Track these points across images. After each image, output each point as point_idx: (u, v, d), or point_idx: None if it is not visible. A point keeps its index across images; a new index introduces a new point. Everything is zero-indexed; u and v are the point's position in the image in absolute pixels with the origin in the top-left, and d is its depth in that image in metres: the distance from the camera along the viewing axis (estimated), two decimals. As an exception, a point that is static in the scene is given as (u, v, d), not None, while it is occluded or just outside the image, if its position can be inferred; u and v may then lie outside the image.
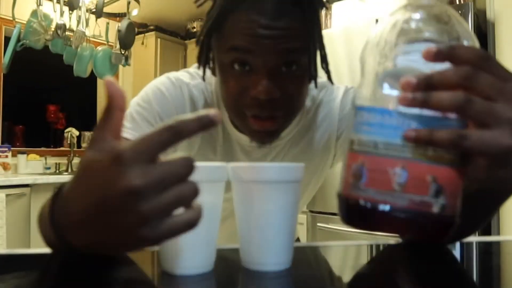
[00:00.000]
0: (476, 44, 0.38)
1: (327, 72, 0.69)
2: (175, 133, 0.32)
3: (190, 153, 0.65)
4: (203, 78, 0.70)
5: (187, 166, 0.33)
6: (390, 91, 0.37)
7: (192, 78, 0.74)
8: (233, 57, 0.60)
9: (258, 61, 0.58)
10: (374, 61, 0.39)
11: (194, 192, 0.34)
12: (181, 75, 0.74)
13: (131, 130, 0.67)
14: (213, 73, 0.68)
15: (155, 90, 0.71)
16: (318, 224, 2.28)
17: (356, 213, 0.38)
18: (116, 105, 0.36)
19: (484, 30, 2.16)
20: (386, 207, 0.35)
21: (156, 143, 0.32)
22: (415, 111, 0.35)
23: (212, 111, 0.33)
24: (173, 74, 0.73)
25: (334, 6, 2.58)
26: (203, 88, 0.73)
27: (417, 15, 0.38)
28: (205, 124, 0.33)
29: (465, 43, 0.38)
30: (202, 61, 0.66)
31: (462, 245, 0.60)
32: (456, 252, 0.58)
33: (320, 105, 0.78)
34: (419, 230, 0.37)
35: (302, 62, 0.61)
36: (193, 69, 0.76)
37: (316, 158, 0.79)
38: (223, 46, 0.61)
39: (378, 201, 0.36)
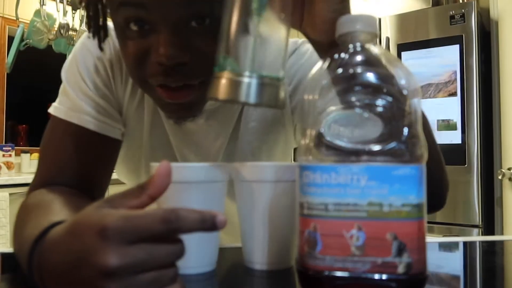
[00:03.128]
0: (412, 81, 0.35)
1: None
2: (169, 229, 0.29)
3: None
4: (100, 47, 0.56)
5: (174, 254, 0.30)
6: (335, 144, 0.34)
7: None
8: (125, 14, 0.47)
9: (156, 16, 0.45)
10: (313, 113, 0.36)
11: (173, 279, 0.30)
12: (112, 28, 0.57)
13: (62, 105, 0.60)
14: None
15: (80, 45, 0.62)
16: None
17: (317, 284, 0.34)
18: (151, 193, 0.32)
19: (487, 28, 2.15)
20: (346, 274, 0.33)
21: (146, 230, 0.29)
22: (363, 163, 0.33)
23: (219, 216, 0.30)
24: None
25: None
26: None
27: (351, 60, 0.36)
28: (206, 227, 0.30)
29: (403, 82, 0.34)
30: (92, 26, 0.54)
31: (465, 244, 0.60)
32: (460, 251, 0.58)
33: None
34: None
35: (215, 13, 0.45)
36: None
37: (269, 133, 0.66)
38: (113, 1, 0.48)
39: (337, 269, 0.33)
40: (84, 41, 0.62)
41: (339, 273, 0.33)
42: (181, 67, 0.47)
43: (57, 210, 0.46)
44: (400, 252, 0.32)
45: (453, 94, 1.98)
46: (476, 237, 0.55)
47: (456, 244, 0.61)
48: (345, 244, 0.33)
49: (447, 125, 1.98)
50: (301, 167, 0.35)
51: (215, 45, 0.42)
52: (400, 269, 0.32)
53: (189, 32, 0.47)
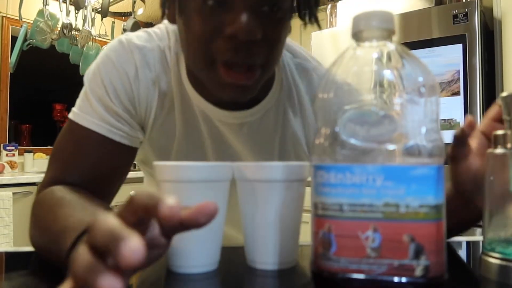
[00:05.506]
0: (430, 78, 0.35)
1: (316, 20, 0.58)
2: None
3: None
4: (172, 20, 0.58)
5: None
6: (350, 143, 0.33)
7: (149, 39, 0.63)
8: None
9: None
10: (330, 111, 0.35)
11: None
12: (137, 36, 0.63)
13: (84, 113, 0.60)
14: (171, 19, 0.58)
15: (104, 58, 0.61)
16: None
17: (331, 286, 0.34)
18: (178, 219, 0.29)
19: (490, 27, 2.14)
20: (361, 276, 0.32)
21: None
22: (379, 163, 0.32)
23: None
24: (128, 36, 0.63)
25: (340, 4, 2.57)
26: (163, 49, 0.63)
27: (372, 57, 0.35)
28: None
29: (420, 79, 0.34)
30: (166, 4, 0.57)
31: (468, 244, 0.59)
32: (463, 251, 0.58)
33: (301, 71, 0.69)
34: None
35: (286, 5, 0.53)
36: (157, 27, 0.66)
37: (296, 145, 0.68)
38: None
39: (352, 271, 0.32)
40: (108, 53, 0.62)
41: (354, 275, 0.32)
42: (251, 45, 0.50)
43: (92, 206, 0.49)
44: (417, 254, 0.31)
45: (456, 93, 1.97)
46: (479, 236, 0.55)
47: (459, 244, 0.61)
48: (360, 245, 0.32)
49: (450, 125, 1.98)
50: (315, 167, 0.35)
51: (278, 33, 0.52)
52: (418, 272, 0.31)
53: (261, 15, 0.50)
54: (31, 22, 2.76)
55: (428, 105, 0.33)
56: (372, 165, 0.32)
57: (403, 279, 0.31)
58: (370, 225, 0.32)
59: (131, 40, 0.62)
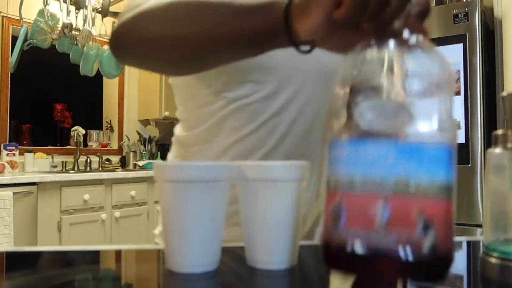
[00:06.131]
0: (446, 69, 0.36)
1: None
2: None
3: None
4: None
5: None
6: (364, 119, 0.34)
7: None
8: None
9: None
10: (345, 91, 0.36)
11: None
12: None
13: None
14: None
15: None
16: (324, 222, 2.28)
17: (340, 258, 0.34)
18: None
19: (491, 27, 2.14)
20: (369, 250, 0.32)
21: None
22: (391, 140, 0.33)
23: None
24: None
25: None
26: None
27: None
28: None
29: (436, 70, 0.35)
30: None
31: (469, 244, 0.59)
32: (463, 251, 0.58)
33: None
34: (410, 271, 0.32)
35: None
36: None
37: None
38: None
39: (361, 244, 0.32)
40: None
41: (362, 248, 0.32)
42: None
43: None
44: (426, 230, 0.31)
45: (457, 93, 1.97)
46: (479, 236, 0.55)
47: (459, 244, 0.61)
48: (370, 219, 0.32)
49: (450, 124, 1.98)
50: (330, 144, 0.35)
51: None
52: (425, 248, 0.31)
53: None
54: (32, 22, 2.76)
55: (444, 94, 0.34)
56: (385, 141, 0.33)
57: (410, 256, 0.31)
58: (380, 200, 0.32)
59: None
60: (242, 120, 0.64)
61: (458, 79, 1.97)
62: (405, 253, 0.31)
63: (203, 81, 0.65)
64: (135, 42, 0.55)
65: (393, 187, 0.32)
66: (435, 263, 0.32)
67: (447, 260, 0.32)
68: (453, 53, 1.98)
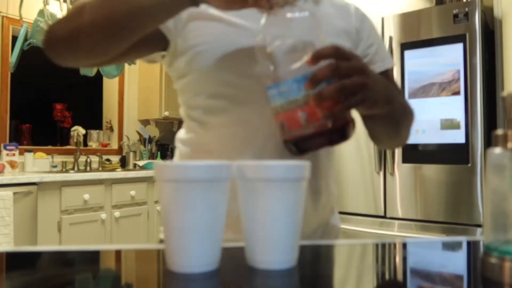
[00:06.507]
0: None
1: None
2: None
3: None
4: None
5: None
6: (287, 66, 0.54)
7: None
8: None
9: None
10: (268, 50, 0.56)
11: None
12: None
13: None
14: None
15: None
16: (324, 222, 2.28)
17: (293, 146, 0.57)
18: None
19: (491, 27, 2.14)
20: (305, 136, 0.55)
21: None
22: (300, 76, 0.53)
23: None
24: None
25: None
26: None
27: None
28: None
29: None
30: None
31: (469, 244, 0.59)
32: (463, 251, 0.58)
33: None
34: (329, 139, 0.56)
35: None
36: None
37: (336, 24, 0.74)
38: None
39: (299, 135, 0.55)
40: None
41: (300, 137, 0.55)
42: None
43: None
44: (326, 118, 0.53)
45: (457, 93, 1.97)
46: (480, 236, 0.55)
47: (459, 244, 0.61)
48: (298, 121, 0.54)
49: (450, 124, 1.98)
50: (267, 87, 0.56)
51: None
52: (329, 124, 0.53)
53: None
54: (32, 21, 2.76)
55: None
56: (296, 78, 0.54)
57: (324, 130, 0.54)
58: (300, 109, 0.54)
59: None
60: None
61: (458, 79, 1.97)
62: (321, 131, 0.54)
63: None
64: (67, 33, 0.62)
65: (304, 102, 0.53)
66: (339, 128, 0.55)
67: (344, 124, 0.55)
68: (453, 53, 1.99)
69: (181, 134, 0.78)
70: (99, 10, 0.59)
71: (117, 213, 2.77)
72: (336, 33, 0.73)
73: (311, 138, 0.55)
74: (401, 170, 2.11)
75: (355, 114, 0.59)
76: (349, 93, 0.52)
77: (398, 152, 2.12)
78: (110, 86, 3.56)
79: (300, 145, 0.56)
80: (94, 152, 3.31)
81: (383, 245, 0.58)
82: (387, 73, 0.80)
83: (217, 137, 0.70)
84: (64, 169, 3.08)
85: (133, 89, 3.70)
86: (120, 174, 2.87)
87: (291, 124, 0.55)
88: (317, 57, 0.52)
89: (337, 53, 0.52)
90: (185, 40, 0.68)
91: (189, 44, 0.68)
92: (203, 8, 0.62)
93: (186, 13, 0.66)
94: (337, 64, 0.52)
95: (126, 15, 0.58)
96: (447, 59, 2.00)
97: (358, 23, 0.77)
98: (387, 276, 0.46)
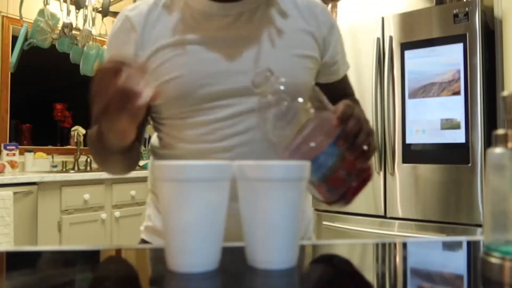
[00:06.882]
0: None
1: None
2: None
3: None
4: None
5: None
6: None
7: None
8: None
9: None
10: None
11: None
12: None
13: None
14: None
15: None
16: (324, 222, 2.28)
17: (343, 201, 0.57)
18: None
19: (491, 27, 2.14)
20: (352, 189, 0.57)
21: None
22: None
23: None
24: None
25: (340, 3, 2.57)
26: None
27: None
28: None
29: None
30: None
31: (469, 244, 0.59)
32: (463, 250, 0.58)
33: None
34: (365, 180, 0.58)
35: None
36: None
37: (292, 44, 0.74)
38: None
39: (347, 190, 0.57)
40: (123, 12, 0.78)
41: (351, 192, 0.57)
42: None
43: None
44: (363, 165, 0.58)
45: (457, 93, 1.97)
46: (480, 236, 0.55)
47: (459, 244, 0.61)
48: (342, 179, 0.56)
49: (450, 124, 1.98)
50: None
51: None
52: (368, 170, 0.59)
53: None
54: (32, 21, 2.76)
55: None
56: None
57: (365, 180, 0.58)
58: (340, 169, 0.57)
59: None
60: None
61: (459, 78, 1.97)
62: (363, 177, 0.58)
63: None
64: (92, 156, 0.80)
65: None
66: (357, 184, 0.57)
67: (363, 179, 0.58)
68: (453, 53, 1.98)
69: (155, 142, 0.85)
70: (93, 150, 0.74)
71: (117, 213, 2.77)
72: (303, 41, 0.76)
73: (358, 187, 0.57)
74: (401, 170, 2.11)
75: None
76: (368, 141, 0.59)
77: (398, 152, 2.12)
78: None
79: (347, 197, 0.58)
80: (94, 152, 3.30)
81: (383, 245, 0.58)
82: (346, 75, 0.89)
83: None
84: (64, 169, 3.08)
85: (133, 89, 3.69)
86: (120, 174, 2.86)
87: (338, 185, 0.56)
88: (343, 119, 0.56)
89: (351, 109, 0.58)
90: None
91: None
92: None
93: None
94: (358, 117, 0.58)
95: (105, 154, 0.70)
96: (447, 59, 2.00)
97: (326, 32, 0.79)
98: (387, 276, 0.46)
